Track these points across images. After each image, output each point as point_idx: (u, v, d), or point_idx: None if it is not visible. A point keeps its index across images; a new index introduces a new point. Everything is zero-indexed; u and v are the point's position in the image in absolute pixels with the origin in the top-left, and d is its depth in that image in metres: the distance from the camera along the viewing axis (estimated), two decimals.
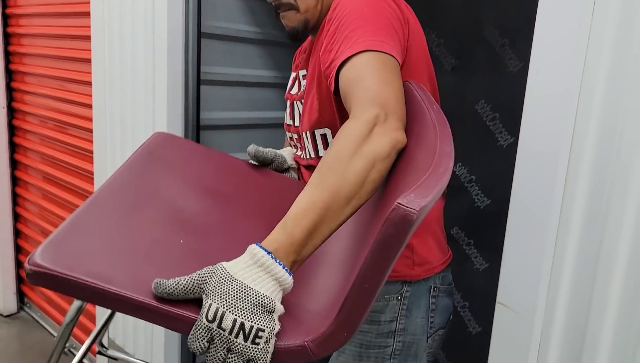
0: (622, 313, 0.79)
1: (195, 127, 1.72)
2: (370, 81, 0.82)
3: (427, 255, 1.04)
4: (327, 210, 0.71)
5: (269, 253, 0.68)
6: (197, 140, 1.74)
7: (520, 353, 0.89)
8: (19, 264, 2.86)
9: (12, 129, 2.72)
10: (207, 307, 0.65)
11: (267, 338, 0.65)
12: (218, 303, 0.65)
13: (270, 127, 2.11)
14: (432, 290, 1.04)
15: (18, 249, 2.84)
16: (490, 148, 1.67)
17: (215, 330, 0.65)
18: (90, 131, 2.05)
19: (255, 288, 0.66)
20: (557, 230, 0.84)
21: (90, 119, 2.05)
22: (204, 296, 0.66)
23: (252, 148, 1.14)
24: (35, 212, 2.69)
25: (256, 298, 0.65)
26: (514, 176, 0.88)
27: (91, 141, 2.07)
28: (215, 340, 0.65)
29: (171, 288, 0.66)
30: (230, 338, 0.64)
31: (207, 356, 0.66)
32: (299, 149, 1.14)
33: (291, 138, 1.17)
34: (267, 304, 0.66)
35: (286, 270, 0.68)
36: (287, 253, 0.69)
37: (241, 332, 0.64)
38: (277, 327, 0.66)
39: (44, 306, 2.75)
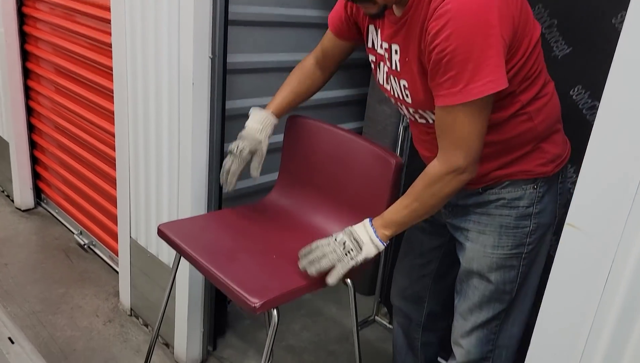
0: None
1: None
2: (462, 132, 1.06)
3: (556, 150, 1.21)
4: (411, 217, 1.20)
5: (371, 224, 1.21)
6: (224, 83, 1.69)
7: (586, 279, 0.84)
8: (34, 160, 2.81)
9: (22, 17, 2.56)
10: (336, 234, 1.24)
11: (352, 256, 1.20)
12: (340, 233, 1.23)
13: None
14: (561, 177, 1.24)
15: (33, 144, 2.79)
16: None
17: (332, 240, 1.23)
18: (108, 21, 1.91)
19: (357, 232, 1.21)
20: None
21: (107, 9, 1.90)
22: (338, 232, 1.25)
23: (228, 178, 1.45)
24: (48, 106, 2.60)
25: (355, 236, 1.21)
26: (602, 97, 0.78)
27: (108, 33, 1.93)
28: (331, 245, 1.22)
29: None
30: (336, 245, 1.21)
31: (317, 250, 1.23)
32: (401, 109, 1.28)
33: (390, 95, 1.29)
34: (360, 242, 1.20)
35: (377, 235, 1.20)
36: (382, 228, 1.21)
37: (343, 245, 1.21)
38: (360, 258, 1.20)
39: (60, 202, 2.74)
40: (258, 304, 1.16)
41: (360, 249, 1.19)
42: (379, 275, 2.22)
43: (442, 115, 1.08)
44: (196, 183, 1.69)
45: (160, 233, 1.44)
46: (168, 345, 1.96)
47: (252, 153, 1.43)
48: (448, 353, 1.97)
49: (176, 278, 1.82)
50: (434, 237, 1.42)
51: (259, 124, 1.43)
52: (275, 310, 1.22)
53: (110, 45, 1.93)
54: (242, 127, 2.09)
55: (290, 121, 1.61)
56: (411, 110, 1.23)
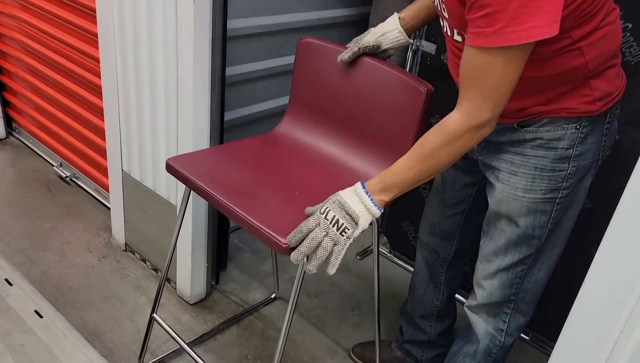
0: None
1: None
2: (495, 81, 0.94)
3: (607, 88, 1.07)
4: (415, 179, 1.06)
5: (364, 189, 1.06)
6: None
7: None
8: (1, 86, 2.58)
9: None
10: (323, 207, 1.07)
11: (349, 235, 1.05)
12: (328, 206, 1.06)
13: None
14: (608, 117, 1.10)
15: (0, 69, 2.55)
16: None
17: (322, 218, 1.05)
18: None
19: (350, 205, 1.05)
20: None
21: None
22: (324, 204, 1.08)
23: (345, 57, 1.35)
24: (13, 26, 2.35)
25: (347, 210, 1.05)
26: None
27: None
28: (321, 224, 1.05)
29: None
30: (329, 226, 1.05)
31: (309, 238, 1.05)
32: (441, 20, 1.16)
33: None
34: (354, 216, 1.05)
35: (373, 202, 1.06)
36: (379, 193, 1.06)
37: (336, 224, 1.04)
38: (357, 233, 1.06)
39: (35, 132, 2.55)
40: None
41: (356, 224, 1.05)
42: None
43: (473, 57, 0.94)
44: (198, 112, 1.57)
45: (170, 169, 1.34)
46: (169, 280, 1.90)
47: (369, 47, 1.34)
48: (467, 290, 1.97)
49: (178, 211, 1.74)
50: (467, 174, 1.34)
51: (381, 28, 1.33)
52: None
53: None
54: (243, 47, 1.94)
55: (302, 43, 1.47)
56: (448, 24, 1.10)
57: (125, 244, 2.06)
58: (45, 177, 2.46)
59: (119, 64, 1.74)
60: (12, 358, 1.28)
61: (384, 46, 1.33)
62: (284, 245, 1.09)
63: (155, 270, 1.97)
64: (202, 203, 1.71)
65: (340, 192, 1.08)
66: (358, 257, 2.19)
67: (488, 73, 0.93)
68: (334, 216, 1.04)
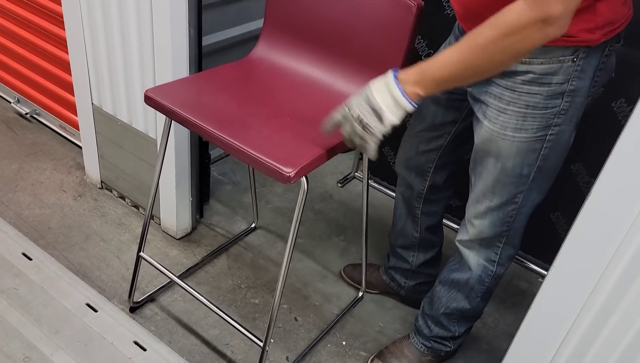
0: None
1: None
2: None
3: (612, 15, 0.97)
4: (459, 75, 0.95)
5: (395, 79, 0.98)
6: None
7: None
8: None
9: None
10: (349, 100, 1.04)
11: (373, 132, 1.01)
12: (354, 100, 1.03)
13: None
14: (606, 50, 1.01)
15: None
16: None
17: (348, 113, 1.03)
18: None
19: (376, 98, 0.99)
20: None
21: None
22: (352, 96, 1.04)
23: None
24: None
25: (372, 105, 1.00)
26: None
27: None
28: (348, 119, 1.04)
29: None
30: (354, 123, 1.02)
31: (342, 130, 1.06)
32: None
33: None
34: (379, 112, 0.99)
35: (404, 95, 0.98)
36: (413, 85, 0.97)
37: (360, 121, 1.01)
38: (383, 129, 1.01)
39: None
40: (292, 173, 1.08)
41: (381, 120, 0.99)
42: None
43: None
44: (176, 36, 1.47)
45: (150, 101, 1.26)
46: (153, 216, 1.87)
47: None
48: (455, 216, 2.00)
49: (158, 145, 1.67)
50: (450, 111, 1.29)
51: None
52: (305, 177, 1.15)
53: None
54: None
55: None
56: None
57: (101, 181, 1.99)
58: (3, 115, 2.31)
59: None
60: (6, 303, 1.25)
61: None
62: (287, 174, 1.08)
63: (136, 206, 1.93)
64: (184, 136, 1.65)
65: (371, 81, 1.01)
66: (339, 184, 2.20)
67: None
68: (357, 113, 1.01)
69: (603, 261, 0.90)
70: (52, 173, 2.05)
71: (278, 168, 1.08)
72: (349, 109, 1.03)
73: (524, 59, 0.99)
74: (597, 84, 1.06)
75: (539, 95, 1.02)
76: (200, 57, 1.60)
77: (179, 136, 1.63)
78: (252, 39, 1.91)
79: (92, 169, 1.98)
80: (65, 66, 1.89)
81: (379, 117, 0.99)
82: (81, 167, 2.06)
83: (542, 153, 1.09)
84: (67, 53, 1.79)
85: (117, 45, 1.61)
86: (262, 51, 1.48)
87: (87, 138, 1.92)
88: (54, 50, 1.96)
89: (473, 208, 1.24)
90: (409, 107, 0.99)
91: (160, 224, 1.86)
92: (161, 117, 1.61)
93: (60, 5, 1.71)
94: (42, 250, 1.64)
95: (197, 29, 1.53)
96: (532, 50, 0.88)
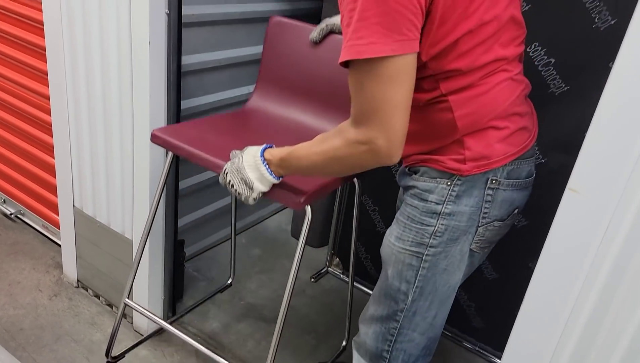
0: None
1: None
2: (371, 98, 0.89)
3: (483, 150, 1.01)
4: (315, 173, 1.12)
5: (262, 158, 1.12)
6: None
7: (582, 240, 0.91)
8: None
9: None
10: (225, 167, 1.18)
11: (245, 197, 1.15)
12: (228, 168, 1.17)
13: None
14: (489, 182, 1.02)
15: None
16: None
17: (225, 181, 1.17)
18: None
19: (245, 171, 1.13)
20: None
21: None
22: (227, 165, 1.18)
23: (315, 34, 1.49)
24: None
25: (243, 177, 1.14)
26: (614, 65, 0.82)
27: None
28: (224, 184, 1.18)
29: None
30: (227, 186, 1.17)
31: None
32: None
33: None
34: (248, 182, 1.14)
35: (270, 173, 1.12)
36: (276, 166, 1.11)
37: (232, 188, 1.16)
38: (254, 195, 1.15)
39: None
40: (303, 199, 1.19)
41: (251, 189, 1.13)
42: (332, 226, 2.26)
43: (348, 76, 0.93)
44: (155, 149, 1.60)
45: (156, 139, 1.40)
46: (125, 315, 1.89)
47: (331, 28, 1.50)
48: None
49: (134, 247, 1.74)
50: None
51: None
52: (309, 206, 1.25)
53: None
54: (199, 82, 1.98)
55: (273, 22, 1.58)
56: None
57: (78, 280, 2.03)
58: None
59: (70, 101, 1.74)
60: None
61: None
62: (300, 200, 1.19)
63: (110, 305, 1.96)
64: (159, 235, 1.73)
65: (244, 153, 1.15)
66: (312, 280, 2.25)
67: (363, 90, 0.90)
68: (230, 180, 1.15)
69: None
70: (30, 272, 2.09)
71: (291, 195, 1.19)
72: (226, 175, 1.17)
73: (415, 176, 1.07)
74: (488, 216, 1.05)
75: (417, 209, 1.06)
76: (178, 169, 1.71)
77: (154, 236, 1.71)
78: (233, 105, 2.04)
79: (70, 268, 2.03)
80: (50, 169, 2.00)
81: (249, 187, 1.14)
82: (59, 266, 2.11)
83: (420, 272, 1.08)
84: (53, 157, 1.91)
85: (100, 153, 1.73)
86: (256, 102, 1.63)
87: (66, 237, 1.99)
88: (41, 154, 2.08)
89: (366, 308, 1.22)
90: (274, 182, 1.14)
91: (132, 324, 1.88)
92: (139, 218, 1.69)
93: (49, 115, 1.84)
94: (11, 353, 1.65)
95: None
96: (371, 167, 0.96)
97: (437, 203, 1.04)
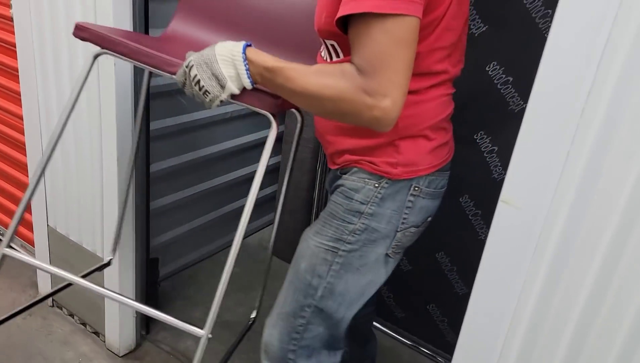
0: (627, 212, 0.83)
1: None
2: (379, 50, 0.86)
3: (414, 157, 1.05)
4: (304, 103, 0.98)
5: (244, 55, 0.96)
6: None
7: (516, 250, 0.93)
8: None
9: None
10: (188, 59, 1.00)
11: (211, 98, 0.99)
12: (194, 60, 0.99)
13: None
14: (412, 189, 1.06)
15: None
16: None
17: (187, 74, 1.00)
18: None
19: (219, 65, 0.97)
20: (573, 136, 0.84)
21: None
22: (191, 56, 1.00)
23: None
24: None
25: (214, 72, 0.97)
26: (537, 76, 0.85)
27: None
28: (187, 81, 1.01)
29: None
30: (191, 84, 1.00)
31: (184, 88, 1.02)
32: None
33: None
34: (222, 81, 0.98)
35: (249, 76, 0.98)
36: (259, 71, 0.97)
37: (197, 84, 0.99)
38: (222, 96, 0.99)
39: None
40: (280, 101, 1.04)
41: (223, 88, 0.98)
42: None
43: (353, 28, 0.89)
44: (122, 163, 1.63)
45: (81, 30, 1.15)
46: (98, 333, 1.90)
47: None
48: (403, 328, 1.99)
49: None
50: None
51: None
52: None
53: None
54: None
55: None
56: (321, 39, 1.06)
57: (52, 299, 2.04)
58: None
59: (43, 121, 1.78)
60: None
61: None
62: (278, 103, 1.04)
63: (84, 324, 1.96)
64: (130, 255, 1.74)
65: (216, 46, 0.98)
66: None
67: (370, 41, 0.87)
68: (195, 75, 0.98)
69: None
70: (7, 292, 2.10)
71: (265, 98, 1.04)
72: (188, 70, 0.99)
73: (343, 176, 1.09)
74: (407, 223, 1.08)
75: (340, 206, 1.08)
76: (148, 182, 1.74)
77: (124, 255, 1.72)
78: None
79: (45, 287, 2.04)
80: (26, 188, 2.02)
81: (221, 85, 0.98)
82: (35, 285, 2.12)
83: (332, 267, 1.08)
84: (28, 176, 1.93)
85: (73, 175, 1.76)
86: (179, 26, 1.39)
87: (41, 256, 2.00)
88: (16, 173, 2.10)
89: (272, 310, 1.19)
90: (249, 86, 0.99)
91: (105, 342, 1.89)
92: (108, 237, 1.71)
93: (23, 135, 1.88)
94: None
95: (145, 157, 1.69)
96: (357, 119, 0.91)
97: (362, 203, 1.06)
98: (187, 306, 2.13)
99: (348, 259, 1.08)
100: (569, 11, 0.81)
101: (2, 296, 2.07)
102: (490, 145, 1.71)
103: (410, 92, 0.96)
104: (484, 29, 1.58)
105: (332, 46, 1.04)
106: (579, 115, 0.83)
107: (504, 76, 1.59)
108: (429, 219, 1.14)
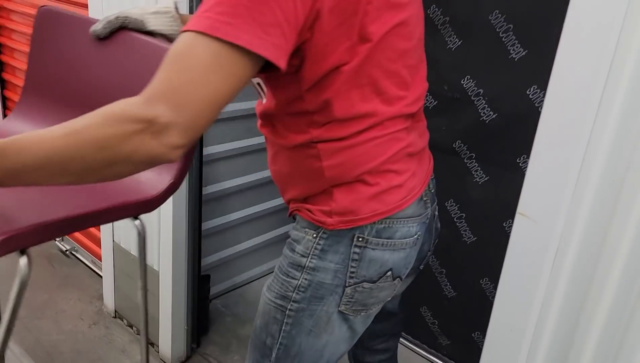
0: None
1: None
2: (184, 71, 0.70)
3: (351, 205, 0.92)
4: (42, 158, 0.68)
5: None
6: None
7: (535, 262, 0.94)
8: None
9: None
10: None
11: None
12: None
13: None
14: (356, 240, 0.93)
15: None
16: (501, 61, 1.65)
17: None
18: None
19: None
20: (585, 149, 0.86)
21: None
22: None
23: (99, 28, 1.07)
24: None
25: None
26: (548, 91, 0.88)
27: None
28: None
29: None
30: None
31: None
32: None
33: None
34: None
35: None
36: None
37: None
38: None
39: None
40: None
41: None
42: None
43: (176, 43, 0.73)
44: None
45: None
46: (153, 344, 2.02)
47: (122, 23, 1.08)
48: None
49: (160, 277, 1.89)
50: None
51: None
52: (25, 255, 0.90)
53: None
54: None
55: (41, 13, 1.15)
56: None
57: (115, 311, 2.19)
58: (48, 251, 2.64)
59: None
60: None
61: (151, 27, 1.07)
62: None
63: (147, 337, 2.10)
64: (182, 269, 1.86)
65: None
66: None
67: (182, 59, 0.71)
68: None
69: None
70: (76, 303, 2.28)
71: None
72: None
73: (293, 224, 0.99)
74: (356, 277, 0.94)
75: (286, 259, 0.98)
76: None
77: (177, 269, 1.85)
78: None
79: (109, 299, 2.20)
80: None
81: None
82: (101, 297, 2.29)
83: (283, 327, 0.98)
84: None
85: None
86: (16, 121, 1.19)
87: (107, 270, 2.17)
88: None
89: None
90: None
91: (158, 352, 2.00)
92: (165, 251, 1.84)
93: None
94: None
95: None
96: (142, 163, 0.72)
97: (303, 255, 0.95)
98: (236, 323, 2.21)
99: (297, 319, 0.97)
100: (577, 35, 0.85)
101: (72, 306, 2.26)
102: None
103: (334, 140, 0.89)
104: (524, 53, 1.60)
105: (259, 84, 0.95)
106: (590, 127, 0.85)
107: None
108: (389, 273, 0.96)
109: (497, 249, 1.81)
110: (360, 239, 0.92)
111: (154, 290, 1.95)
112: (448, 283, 1.98)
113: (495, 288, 1.89)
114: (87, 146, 0.68)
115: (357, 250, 0.93)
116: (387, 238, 0.94)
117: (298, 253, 0.95)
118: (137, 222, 1.14)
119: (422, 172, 1.00)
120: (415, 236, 0.96)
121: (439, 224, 1.11)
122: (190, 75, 0.70)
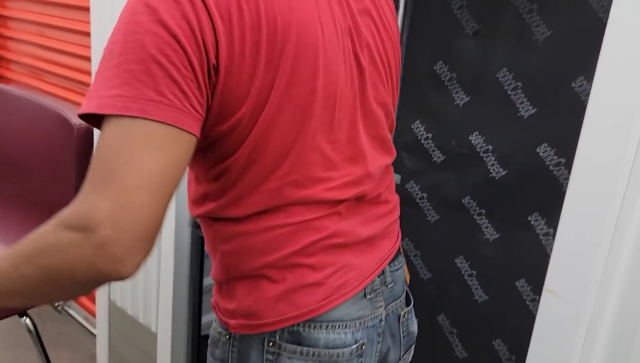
0: None
1: None
2: (111, 160, 0.59)
3: (253, 306, 0.76)
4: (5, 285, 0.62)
5: None
6: None
7: (565, 342, 0.88)
8: None
9: None
10: None
11: None
12: None
13: None
14: (267, 344, 0.76)
15: None
16: (510, 118, 1.63)
17: None
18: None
19: None
20: (617, 218, 0.82)
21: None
22: None
23: None
24: None
25: None
26: (575, 161, 0.85)
27: None
28: None
29: None
30: None
31: None
32: None
33: None
34: None
35: None
36: None
37: None
38: None
39: None
40: None
41: None
42: None
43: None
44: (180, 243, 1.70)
45: None
46: None
47: None
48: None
49: (158, 339, 1.81)
50: None
51: None
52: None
53: None
54: None
55: None
56: None
57: None
58: (38, 307, 2.54)
59: None
60: None
61: None
62: None
63: None
64: (182, 330, 1.78)
65: None
66: None
67: (105, 149, 0.60)
68: None
69: None
70: None
71: None
72: None
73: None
74: None
75: (210, 359, 0.84)
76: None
77: (177, 331, 1.77)
78: None
79: (102, 360, 2.10)
80: None
81: None
82: (94, 358, 2.19)
83: None
84: None
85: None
86: None
87: (101, 330, 2.08)
88: None
89: None
90: None
91: None
92: (163, 312, 1.77)
93: None
94: None
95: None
96: (85, 277, 0.60)
97: (222, 360, 0.80)
98: None
99: None
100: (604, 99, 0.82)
101: None
102: (545, 227, 1.67)
103: (229, 220, 0.75)
104: (533, 111, 1.58)
105: None
106: (620, 200, 0.81)
107: (555, 157, 1.57)
108: None
109: (510, 310, 1.76)
110: (273, 344, 0.76)
111: (152, 353, 1.86)
112: (459, 344, 1.90)
113: (508, 350, 1.82)
114: (27, 271, 0.61)
115: (269, 357, 0.76)
116: (308, 346, 0.76)
117: (217, 358, 0.81)
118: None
119: (370, 263, 0.81)
120: (355, 346, 0.78)
121: (413, 327, 0.92)
122: (118, 166, 0.59)
